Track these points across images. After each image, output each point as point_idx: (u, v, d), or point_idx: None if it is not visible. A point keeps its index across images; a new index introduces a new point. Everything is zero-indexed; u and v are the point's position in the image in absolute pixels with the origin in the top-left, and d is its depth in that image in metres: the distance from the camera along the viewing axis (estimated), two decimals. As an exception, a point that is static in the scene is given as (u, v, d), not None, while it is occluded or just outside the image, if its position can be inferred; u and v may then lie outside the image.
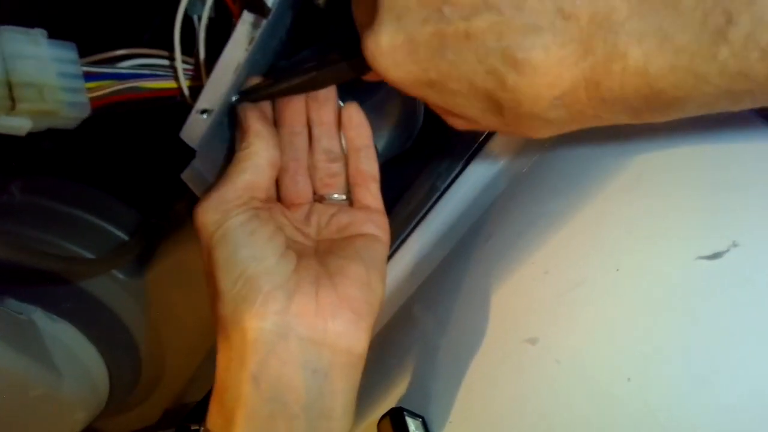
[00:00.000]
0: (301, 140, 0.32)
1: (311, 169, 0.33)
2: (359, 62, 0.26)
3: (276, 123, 0.32)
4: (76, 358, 0.52)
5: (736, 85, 0.18)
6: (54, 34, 0.29)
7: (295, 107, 0.32)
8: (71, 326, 0.51)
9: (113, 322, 0.54)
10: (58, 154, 0.51)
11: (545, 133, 0.24)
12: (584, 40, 0.19)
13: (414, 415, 0.34)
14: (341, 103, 0.33)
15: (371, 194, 0.32)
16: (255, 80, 0.31)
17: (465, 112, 0.24)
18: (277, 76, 0.31)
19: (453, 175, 0.49)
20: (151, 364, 0.59)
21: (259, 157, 0.28)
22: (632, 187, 0.27)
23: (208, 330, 0.57)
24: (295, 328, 0.26)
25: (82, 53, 0.30)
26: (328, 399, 0.27)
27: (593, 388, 0.23)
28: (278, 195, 0.34)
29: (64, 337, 0.51)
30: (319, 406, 0.26)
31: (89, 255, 0.49)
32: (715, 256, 0.21)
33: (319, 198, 0.33)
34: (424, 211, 0.49)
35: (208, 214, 0.27)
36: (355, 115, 0.31)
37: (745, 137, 0.22)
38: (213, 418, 0.28)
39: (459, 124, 0.27)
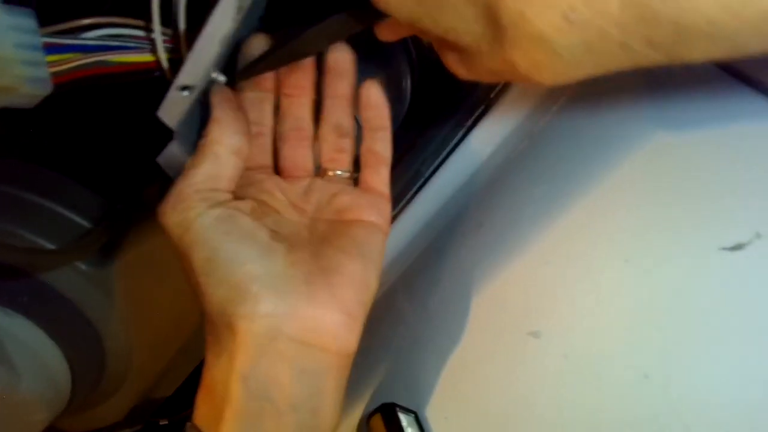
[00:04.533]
0: (304, 109, 0.30)
1: (320, 142, 0.31)
2: (361, 11, 0.24)
3: (277, 90, 0.30)
4: (34, 356, 0.48)
5: None
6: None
7: (297, 73, 0.30)
8: (28, 321, 0.48)
9: (75, 316, 0.50)
10: (9, 132, 0.46)
11: (551, 74, 0.20)
12: None
13: (406, 411, 0.33)
14: None
15: (380, 177, 0.31)
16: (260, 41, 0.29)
17: (459, 38, 0.21)
18: (275, 44, 0.28)
19: (438, 160, 0.47)
20: (117, 359, 0.55)
21: (218, 146, 0.27)
22: (643, 171, 0.26)
23: (179, 324, 0.55)
24: (286, 329, 0.25)
25: (41, 22, 0.27)
26: (317, 398, 0.26)
27: (607, 384, 0.23)
28: (277, 165, 0.32)
29: (20, 333, 0.47)
30: (308, 404, 0.26)
31: (48, 244, 0.45)
32: (737, 247, 0.20)
33: (322, 172, 0.32)
34: (407, 197, 0.48)
35: (169, 214, 0.26)
36: (374, 94, 0.29)
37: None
38: (201, 413, 0.27)
39: (454, 62, 0.24)
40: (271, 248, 0.26)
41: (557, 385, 0.25)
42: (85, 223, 0.47)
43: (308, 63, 0.30)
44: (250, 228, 0.26)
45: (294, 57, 0.28)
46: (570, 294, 0.27)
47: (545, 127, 0.40)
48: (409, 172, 0.49)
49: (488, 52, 0.21)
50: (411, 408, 0.34)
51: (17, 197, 0.45)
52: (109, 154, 0.49)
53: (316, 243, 0.28)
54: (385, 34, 0.27)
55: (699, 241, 0.22)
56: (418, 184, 0.47)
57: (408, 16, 0.22)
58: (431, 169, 0.48)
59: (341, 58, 0.29)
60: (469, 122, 0.44)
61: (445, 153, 0.47)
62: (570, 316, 0.26)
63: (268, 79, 0.30)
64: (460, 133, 0.45)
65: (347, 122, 0.31)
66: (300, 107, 0.30)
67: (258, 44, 0.29)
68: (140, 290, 0.52)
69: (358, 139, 0.35)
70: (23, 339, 0.48)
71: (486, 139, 0.44)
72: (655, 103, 0.28)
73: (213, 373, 0.26)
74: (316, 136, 0.32)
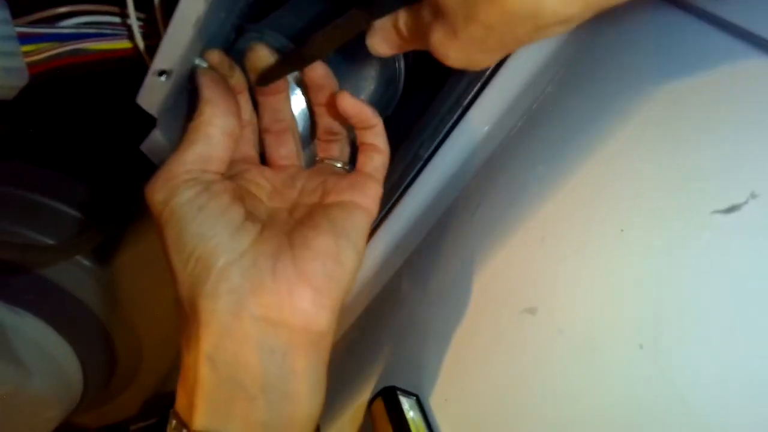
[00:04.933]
0: (282, 104, 0.31)
1: (317, 141, 0.33)
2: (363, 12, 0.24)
3: (256, 90, 0.31)
4: (44, 352, 0.49)
5: None
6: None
7: None
8: (36, 318, 0.48)
9: (82, 312, 0.51)
10: (8, 133, 0.47)
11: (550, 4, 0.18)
12: None
13: (408, 394, 0.33)
14: None
15: (372, 163, 0.31)
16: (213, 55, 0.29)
17: None
18: (288, 50, 0.29)
19: (436, 142, 0.47)
20: (127, 353, 0.56)
21: (211, 127, 0.26)
22: (633, 142, 0.25)
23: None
24: (249, 306, 0.24)
25: (16, 12, 0.26)
26: (289, 380, 0.25)
27: (602, 357, 0.22)
28: (265, 158, 0.33)
29: (28, 330, 0.48)
30: (279, 387, 0.25)
31: (47, 240, 0.46)
32: (732, 209, 0.19)
33: (318, 160, 0.33)
34: (407, 181, 0.47)
35: (156, 192, 0.25)
36: (349, 106, 0.29)
37: (760, 75, 0.20)
38: (179, 399, 0.26)
39: (444, 40, 0.23)
40: (243, 227, 0.26)
41: (553, 361, 0.24)
42: (84, 219, 0.47)
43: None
44: (225, 206, 0.26)
45: (306, 61, 0.29)
46: (565, 268, 0.26)
47: (540, 104, 0.39)
48: (408, 156, 0.48)
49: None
50: (412, 391, 0.33)
51: (15, 195, 0.46)
52: (104, 147, 0.50)
53: (293, 224, 0.28)
54: (378, 45, 0.26)
55: (692, 206, 0.21)
56: (417, 168, 0.47)
57: None
58: (429, 151, 0.47)
59: (316, 75, 0.29)
60: (465, 102, 0.43)
61: (442, 135, 0.46)
62: (565, 291, 0.25)
63: (240, 83, 0.30)
64: (457, 114, 0.45)
65: (335, 124, 0.32)
66: (277, 102, 0.31)
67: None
68: (145, 284, 0.52)
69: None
70: (32, 337, 0.48)
71: (482, 118, 0.43)
72: (646, 71, 0.27)
73: (185, 359, 0.26)
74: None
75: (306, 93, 0.33)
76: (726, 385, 0.18)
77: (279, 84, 0.30)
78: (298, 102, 0.34)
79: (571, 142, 0.31)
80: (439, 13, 0.22)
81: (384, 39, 0.26)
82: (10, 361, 0.45)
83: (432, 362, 0.34)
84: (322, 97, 0.30)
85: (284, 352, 0.25)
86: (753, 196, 0.19)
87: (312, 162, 0.35)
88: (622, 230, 0.24)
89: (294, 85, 0.35)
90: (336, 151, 0.33)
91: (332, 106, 0.30)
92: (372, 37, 0.26)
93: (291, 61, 0.29)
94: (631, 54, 0.29)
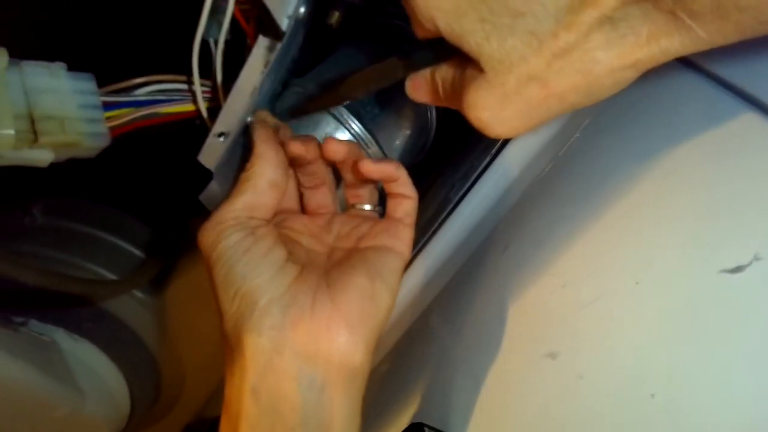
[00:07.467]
0: (318, 167, 0.33)
1: (344, 187, 0.34)
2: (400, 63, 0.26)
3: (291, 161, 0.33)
4: (97, 377, 0.53)
5: None
6: (71, 65, 0.30)
7: (301, 148, 0.32)
8: (93, 346, 0.52)
9: (133, 340, 0.54)
10: (78, 176, 0.51)
11: (615, 52, 0.19)
12: None
13: (435, 431, 0.34)
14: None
15: (403, 209, 0.32)
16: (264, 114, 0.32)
17: (505, 39, 0.20)
18: (321, 89, 0.31)
19: (466, 186, 0.49)
20: (172, 380, 0.59)
21: (259, 179, 0.29)
22: (652, 197, 0.27)
23: (226, 346, 0.58)
24: (289, 341, 0.26)
25: (100, 82, 0.31)
26: (327, 412, 0.27)
27: (617, 404, 0.23)
28: (303, 208, 0.35)
29: (85, 357, 0.52)
30: (317, 418, 0.26)
31: (110, 275, 0.50)
32: (738, 269, 0.21)
33: (348, 207, 0.34)
34: (438, 223, 0.49)
35: (206, 235, 0.28)
36: (373, 170, 0.31)
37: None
38: (223, 429, 0.28)
39: (481, 95, 0.23)
40: (285, 268, 0.28)
41: (573, 405, 0.26)
42: (140, 254, 0.51)
43: (310, 138, 0.32)
44: (268, 248, 0.28)
45: (339, 99, 0.31)
46: (583, 316, 0.28)
47: (567, 151, 0.41)
48: (438, 198, 0.50)
49: (544, 37, 0.20)
50: (440, 428, 0.35)
51: (81, 233, 0.50)
52: (160, 191, 0.54)
53: (330, 266, 0.30)
54: (414, 92, 0.28)
55: (701, 263, 0.22)
56: (447, 210, 0.49)
57: (450, 25, 0.21)
58: (460, 194, 0.49)
59: (331, 149, 0.31)
60: (495, 148, 0.46)
61: (472, 179, 0.48)
62: (583, 338, 0.27)
63: (285, 137, 0.32)
64: (487, 159, 0.47)
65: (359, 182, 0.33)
66: (315, 167, 0.33)
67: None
68: (190, 315, 0.55)
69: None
70: (87, 362, 0.52)
71: (512, 163, 0.45)
72: (665, 129, 0.29)
73: (229, 391, 0.27)
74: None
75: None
76: (731, 436, 0.19)
77: (314, 153, 0.32)
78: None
79: (594, 191, 0.33)
80: (488, 65, 0.21)
81: (420, 87, 0.28)
82: (69, 385, 0.48)
83: (459, 400, 0.35)
84: (338, 157, 0.32)
85: (322, 385, 0.26)
86: (756, 258, 0.20)
87: (343, 206, 0.36)
88: (637, 282, 0.25)
89: (343, 128, 0.37)
90: (365, 196, 0.34)
91: (344, 163, 0.32)
92: (410, 83, 0.28)
93: (324, 98, 0.30)
94: (653, 112, 0.31)
